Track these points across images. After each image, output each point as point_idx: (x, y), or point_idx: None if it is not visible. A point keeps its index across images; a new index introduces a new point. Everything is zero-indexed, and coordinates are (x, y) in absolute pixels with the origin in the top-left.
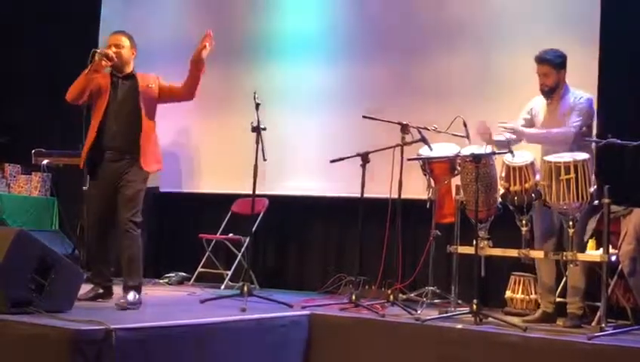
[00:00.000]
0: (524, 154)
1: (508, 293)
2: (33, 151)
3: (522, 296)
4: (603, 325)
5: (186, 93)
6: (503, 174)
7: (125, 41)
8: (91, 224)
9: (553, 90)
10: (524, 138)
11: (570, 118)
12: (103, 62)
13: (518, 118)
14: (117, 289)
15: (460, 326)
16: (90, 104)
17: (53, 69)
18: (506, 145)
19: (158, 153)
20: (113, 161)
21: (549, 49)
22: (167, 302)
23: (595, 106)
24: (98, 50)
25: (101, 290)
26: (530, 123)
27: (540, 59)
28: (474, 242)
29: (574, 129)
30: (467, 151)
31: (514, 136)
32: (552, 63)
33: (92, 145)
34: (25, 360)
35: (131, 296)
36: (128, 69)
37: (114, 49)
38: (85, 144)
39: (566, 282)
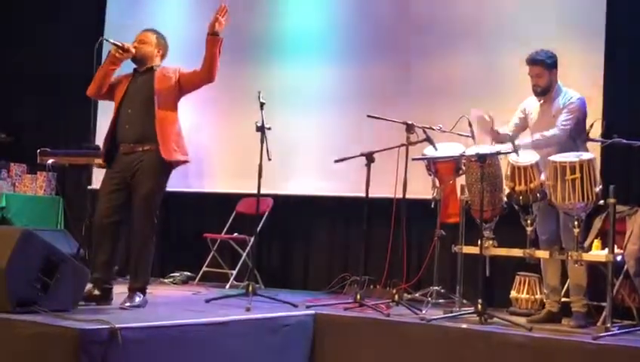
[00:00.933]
0: (530, 154)
1: (513, 293)
2: (38, 150)
3: (527, 295)
4: (608, 325)
5: (205, 73)
6: (509, 174)
7: (151, 38)
8: (98, 222)
9: (546, 91)
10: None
11: (559, 117)
12: (117, 55)
13: (510, 121)
14: (121, 288)
15: (464, 326)
16: (96, 102)
17: (59, 69)
18: (510, 139)
19: (182, 144)
20: (125, 153)
21: (540, 50)
22: (172, 302)
23: (587, 106)
24: (111, 41)
25: (97, 292)
26: (524, 122)
27: (533, 61)
28: (479, 242)
29: (565, 128)
30: (472, 150)
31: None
32: (545, 64)
33: (109, 140)
34: (30, 360)
35: (136, 299)
36: (148, 64)
37: (135, 44)
38: (104, 139)
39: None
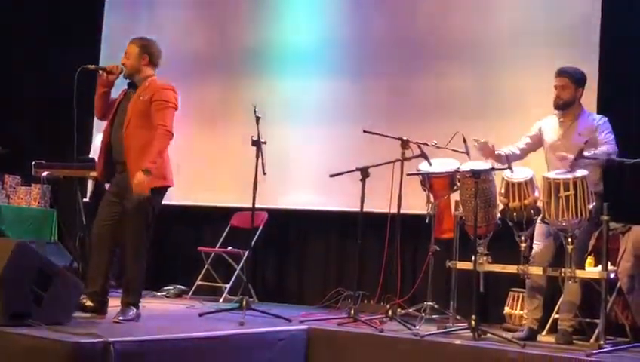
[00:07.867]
0: (524, 171)
1: (506, 309)
2: (33, 162)
3: (521, 312)
4: (602, 342)
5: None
6: (502, 190)
7: (133, 49)
8: (95, 234)
9: (567, 105)
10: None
11: (600, 136)
12: (106, 76)
13: (522, 137)
14: (115, 302)
15: (458, 341)
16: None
17: (55, 83)
18: (506, 160)
19: (159, 168)
20: (120, 172)
21: (571, 65)
22: (166, 315)
23: None
24: (91, 67)
25: (89, 303)
26: (536, 141)
27: (560, 72)
28: (473, 258)
29: (613, 143)
30: (467, 166)
31: (517, 152)
32: (572, 78)
33: (103, 157)
34: None
35: (129, 313)
36: (137, 77)
37: (123, 59)
38: (98, 156)
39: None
